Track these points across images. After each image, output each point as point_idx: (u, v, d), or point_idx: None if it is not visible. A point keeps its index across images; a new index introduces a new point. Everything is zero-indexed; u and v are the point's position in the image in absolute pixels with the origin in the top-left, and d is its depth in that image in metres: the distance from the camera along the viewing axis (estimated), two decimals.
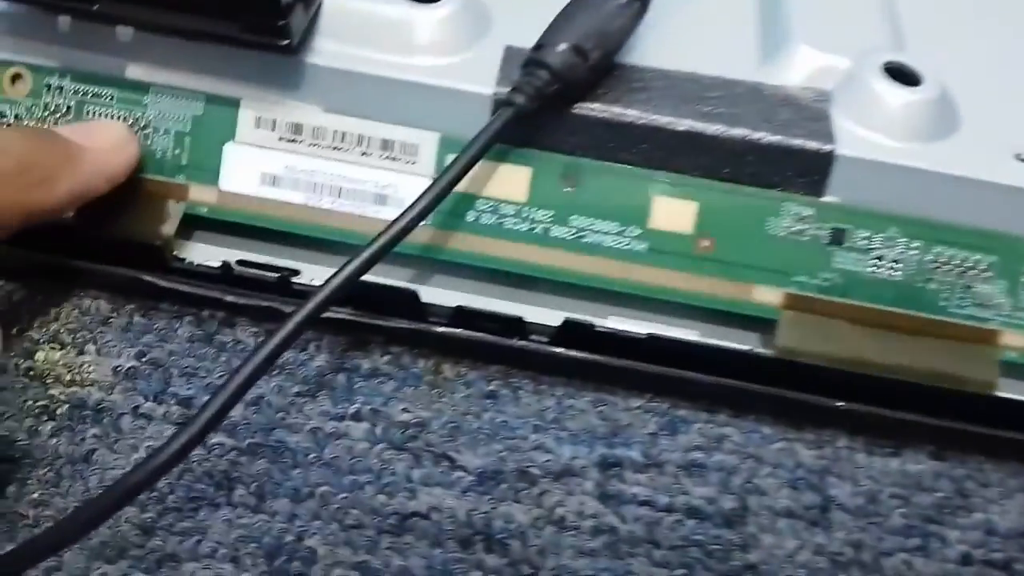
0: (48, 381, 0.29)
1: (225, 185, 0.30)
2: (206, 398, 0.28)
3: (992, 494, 0.29)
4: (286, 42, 0.28)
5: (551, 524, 0.27)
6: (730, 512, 0.28)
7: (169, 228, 0.30)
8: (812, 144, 0.29)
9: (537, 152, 0.30)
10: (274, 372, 0.29)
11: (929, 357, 0.29)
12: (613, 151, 0.29)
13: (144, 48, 0.30)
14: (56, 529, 0.23)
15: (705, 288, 0.30)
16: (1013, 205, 0.29)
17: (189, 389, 0.29)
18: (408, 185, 0.30)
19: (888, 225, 0.29)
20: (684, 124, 0.29)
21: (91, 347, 0.30)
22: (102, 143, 0.29)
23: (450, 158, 0.29)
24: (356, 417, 0.29)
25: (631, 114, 0.29)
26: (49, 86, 0.31)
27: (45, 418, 0.28)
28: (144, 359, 0.30)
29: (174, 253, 0.30)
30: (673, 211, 0.29)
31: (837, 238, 0.29)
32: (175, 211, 0.30)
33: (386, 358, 0.30)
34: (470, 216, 0.30)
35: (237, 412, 0.28)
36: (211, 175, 0.30)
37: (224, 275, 0.30)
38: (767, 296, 0.30)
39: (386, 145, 0.30)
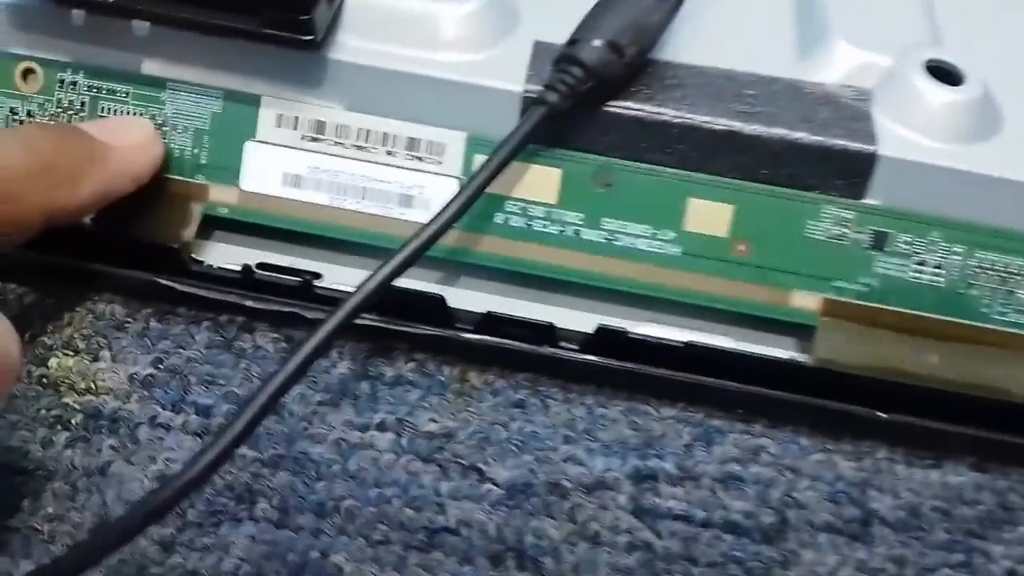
0: (62, 389, 0.28)
1: (246, 185, 0.29)
2: (226, 407, 0.28)
3: None
4: (310, 38, 0.27)
5: (584, 540, 0.27)
6: (769, 527, 0.27)
7: (188, 230, 0.29)
8: (854, 145, 0.28)
9: (568, 152, 0.29)
10: None
11: (971, 366, 0.28)
12: (647, 151, 0.28)
13: (161, 43, 0.29)
14: (78, 549, 0.23)
15: (741, 293, 0.29)
16: None
17: (208, 398, 0.28)
18: (434, 186, 0.29)
19: (931, 229, 0.28)
20: (721, 123, 0.28)
21: (106, 353, 0.29)
22: (128, 141, 0.28)
23: (477, 158, 0.28)
24: (381, 427, 0.28)
25: (666, 113, 0.28)
26: (62, 82, 0.30)
27: (59, 428, 0.27)
28: (161, 366, 0.29)
29: (192, 255, 0.29)
30: (708, 213, 0.29)
31: (878, 242, 0.28)
32: (194, 212, 0.29)
33: (410, 365, 0.29)
34: (498, 218, 0.29)
35: None
36: (231, 175, 0.29)
37: (245, 279, 0.29)
38: (805, 302, 0.29)
39: (412, 144, 0.29)
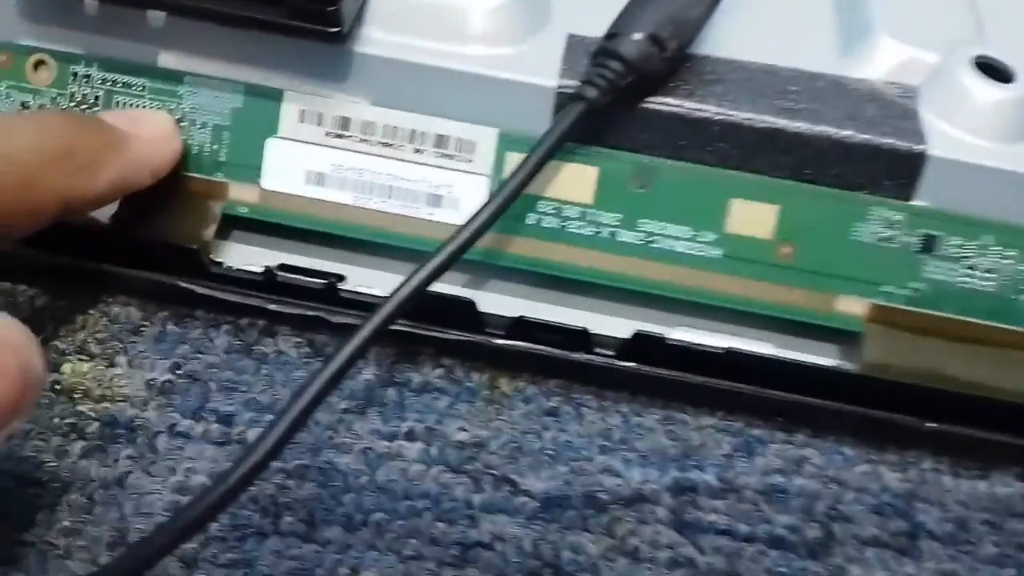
0: (76, 396, 0.27)
1: (267, 183, 0.28)
2: (248, 415, 0.27)
3: None
4: (336, 30, 0.26)
5: (624, 555, 0.25)
6: (815, 541, 0.26)
7: (207, 230, 0.28)
8: (902, 144, 0.27)
9: (605, 150, 0.28)
10: None
11: (1020, 374, 0.27)
12: (687, 149, 0.27)
13: (178, 34, 0.28)
14: (106, 571, 0.21)
15: (784, 298, 0.28)
16: None
17: (229, 405, 0.27)
18: (464, 185, 0.28)
19: (982, 232, 0.27)
20: (764, 121, 0.27)
21: (122, 359, 0.28)
22: (148, 133, 0.27)
23: (509, 156, 0.27)
24: (409, 436, 0.27)
25: (707, 109, 0.27)
26: (75, 74, 0.28)
27: (74, 437, 0.26)
28: (180, 372, 0.27)
29: (211, 256, 0.28)
30: (751, 215, 0.27)
31: (927, 246, 0.27)
32: (213, 211, 0.28)
33: (438, 371, 0.28)
34: (531, 219, 0.28)
35: None
36: (252, 173, 0.28)
37: (266, 281, 0.28)
38: (851, 307, 0.28)
39: (441, 141, 0.28)
